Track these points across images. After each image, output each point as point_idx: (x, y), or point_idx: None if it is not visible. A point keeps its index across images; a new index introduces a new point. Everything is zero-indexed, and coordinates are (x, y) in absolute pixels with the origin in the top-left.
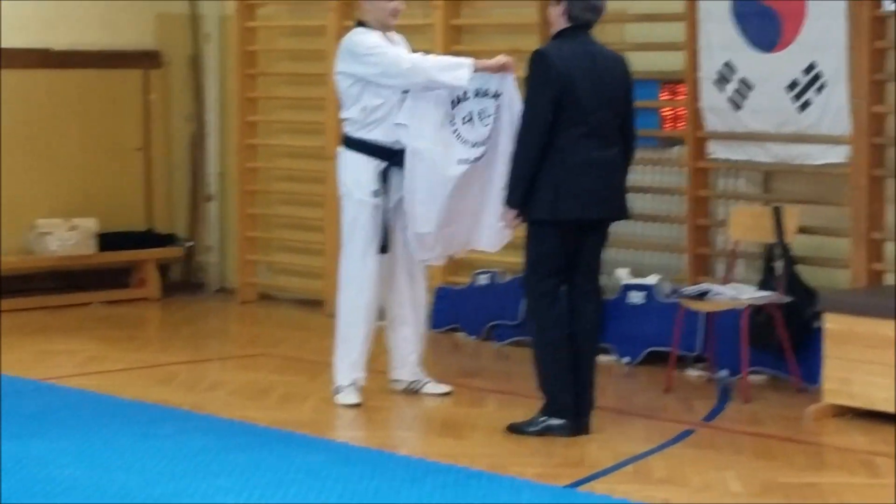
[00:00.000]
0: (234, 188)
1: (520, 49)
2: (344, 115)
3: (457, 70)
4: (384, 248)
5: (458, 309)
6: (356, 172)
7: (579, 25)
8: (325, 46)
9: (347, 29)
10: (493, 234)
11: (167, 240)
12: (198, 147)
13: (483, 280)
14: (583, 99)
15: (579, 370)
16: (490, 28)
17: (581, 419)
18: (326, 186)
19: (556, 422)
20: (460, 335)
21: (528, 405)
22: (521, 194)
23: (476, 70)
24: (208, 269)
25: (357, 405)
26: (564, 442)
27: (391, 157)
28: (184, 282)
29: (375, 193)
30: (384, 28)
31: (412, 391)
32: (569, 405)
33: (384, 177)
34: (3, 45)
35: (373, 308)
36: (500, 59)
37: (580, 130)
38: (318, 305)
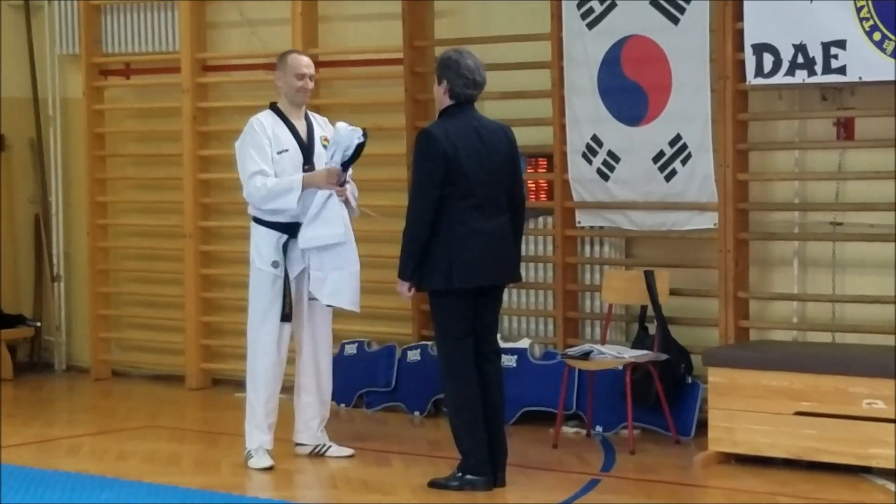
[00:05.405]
0: (79, 268)
1: (384, 126)
2: (245, 196)
3: (287, 195)
4: (286, 317)
5: None
6: (258, 243)
7: (462, 101)
8: (180, 127)
9: (200, 111)
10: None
11: (16, 320)
12: (42, 228)
13: (351, 350)
14: (469, 173)
15: (491, 427)
16: (353, 107)
17: (497, 473)
18: (185, 264)
19: (474, 477)
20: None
21: (431, 463)
22: (413, 267)
23: (304, 188)
24: (56, 349)
25: (270, 468)
26: (486, 495)
27: (291, 230)
28: (31, 362)
29: (275, 264)
30: (295, 105)
31: (317, 455)
32: (485, 461)
33: (284, 249)
34: None
35: (273, 372)
36: (322, 170)
37: (468, 203)
38: (179, 380)
